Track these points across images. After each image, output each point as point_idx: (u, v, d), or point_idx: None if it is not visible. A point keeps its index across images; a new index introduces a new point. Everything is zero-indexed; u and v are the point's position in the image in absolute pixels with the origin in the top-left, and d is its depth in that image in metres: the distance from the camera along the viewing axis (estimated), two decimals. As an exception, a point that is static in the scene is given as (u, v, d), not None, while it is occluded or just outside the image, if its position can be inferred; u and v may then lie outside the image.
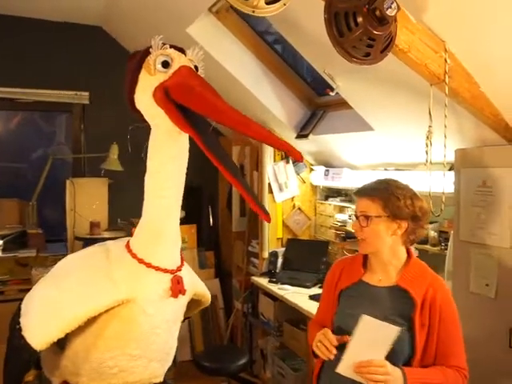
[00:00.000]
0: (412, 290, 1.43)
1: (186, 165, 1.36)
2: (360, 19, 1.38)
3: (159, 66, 1.27)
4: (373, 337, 1.34)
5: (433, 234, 2.46)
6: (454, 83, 1.67)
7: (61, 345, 1.44)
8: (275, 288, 3.08)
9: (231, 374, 2.75)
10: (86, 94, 3.83)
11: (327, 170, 3.29)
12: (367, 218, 1.45)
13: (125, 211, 3.90)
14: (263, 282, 3.27)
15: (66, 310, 1.33)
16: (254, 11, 1.26)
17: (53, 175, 3.80)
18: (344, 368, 1.37)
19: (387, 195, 1.46)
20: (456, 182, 2.10)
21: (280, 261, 3.37)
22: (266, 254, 3.44)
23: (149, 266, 1.34)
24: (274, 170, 3.43)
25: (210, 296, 1.66)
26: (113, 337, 1.37)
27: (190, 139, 1.32)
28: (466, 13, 1.55)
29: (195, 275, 1.62)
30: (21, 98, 3.65)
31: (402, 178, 2.57)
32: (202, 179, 3.84)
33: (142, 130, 4.14)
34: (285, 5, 1.34)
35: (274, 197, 3.42)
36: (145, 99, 1.30)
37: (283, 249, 3.44)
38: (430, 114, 1.73)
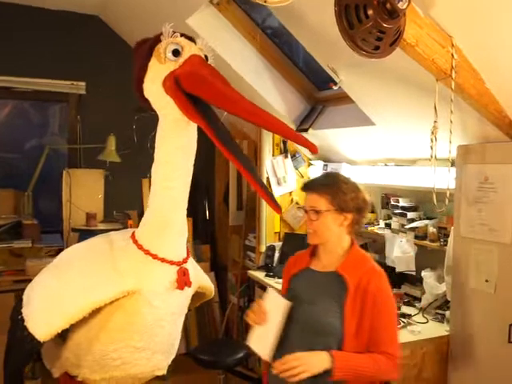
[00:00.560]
0: (347, 276, 1.49)
1: (194, 156, 1.34)
2: (370, 12, 1.37)
3: (169, 55, 1.24)
4: (273, 309, 1.47)
5: (432, 229, 2.47)
6: (460, 79, 1.67)
7: (63, 336, 1.42)
8: (272, 282, 3.08)
9: (228, 368, 2.75)
10: (83, 83, 3.77)
11: (326, 165, 3.29)
12: (317, 212, 1.52)
13: (120, 203, 3.88)
14: (260, 275, 3.27)
15: (71, 301, 1.32)
16: (265, 1, 1.24)
17: (47, 166, 3.75)
18: (254, 340, 1.49)
19: (334, 190, 1.54)
20: (457, 178, 2.11)
21: (277, 255, 3.36)
22: (263, 248, 3.43)
23: (155, 257, 1.33)
24: (273, 164, 3.42)
25: (213, 289, 1.65)
26: (117, 329, 1.36)
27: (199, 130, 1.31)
28: (474, 8, 1.54)
29: (199, 267, 1.61)
30: (16, 86, 3.59)
31: (403, 173, 2.62)
32: (198, 172, 3.81)
33: (141, 120, 4.12)
34: (295, -5, 1.32)
35: (272, 191, 3.41)
36: (154, 88, 1.28)
37: (280, 243, 3.44)
38: (435, 109, 1.73)
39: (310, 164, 3.54)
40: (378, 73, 2.07)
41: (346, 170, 3.08)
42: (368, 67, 2.08)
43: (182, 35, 1.28)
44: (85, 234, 3.29)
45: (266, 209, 3.42)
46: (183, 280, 1.36)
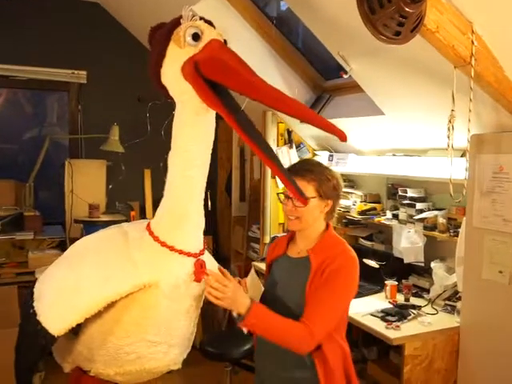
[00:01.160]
0: (313, 257, 1.48)
1: (212, 144, 1.30)
2: (393, -4, 1.33)
3: (189, 39, 1.19)
4: (252, 289, 1.57)
5: (441, 220, 2.44)
6: (478, 66, 1.63)
7: (75, 330, 1.38)
8: (278, 273, 3.05)
9: (235, 360, 2.72)
10: (84, 72, 3.71)
11: (331, 155, 3.25)
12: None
13: (122, 194, 3.84)
14: (264, 267, 3.24)
15: (86, 294, 1.28)
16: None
17: (46, 157, 3.69)
18: None
19: (320, 176, 1.53)
20: (470, 168, 2.08)
21: (282, 246, 3.33)
22: (267, 239, 3.40)
23: (172, 249, 1.29)
24: (278, 154, 3.37)
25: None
26: (132, 322, 1.32)
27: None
28: (494, -6, 1.50)
29: (213, 259, 1.57)
30: (16, 75, 3.53)
31: (412, 163, 2.58)
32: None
33: (145, 110, 4.03)
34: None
35: (276, 182, 3.38)
36: (172, 73, 1.23)
37: (284, 234, 3.40)
38: (453, 97, 1.70)
39: (314, 154, 3.50)
40: (391, 61, 2.03)
41: (352, 160, 3.05)
42: (381, 55, 2.03)
43: (200, 19, 1.23)
44: (87, 226, 3.26)
45: (270, 199, 3.39)
46: (201, 272, 1.33)
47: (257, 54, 3.03)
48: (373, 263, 2.79)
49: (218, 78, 1.16)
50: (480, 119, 2.02)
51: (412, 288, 2.54)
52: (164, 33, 1.24)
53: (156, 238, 1.31)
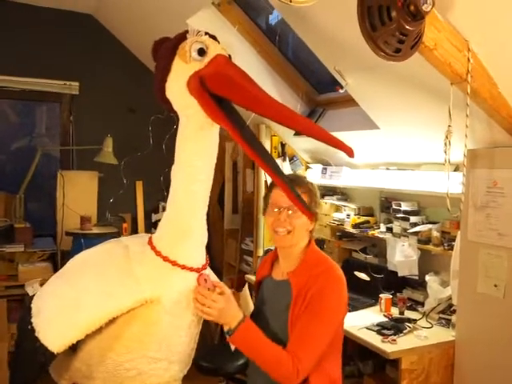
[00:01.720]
0: (294, 281, 1.43)
1: (216, 159, 1.30)
2: (394, 14, 1.36)
3: (195, 54, 1.19)
4: (244, 306, 1.52)
5: (435, 234, 2.46)
6: (474, 83, 1.66)
7: (73, 346, 1.35)
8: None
9: (229, 375, 2.69)
10: (76, 84, 3.70)
11: (325, 169, 3.27)
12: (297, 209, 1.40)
13: (113, 206, 3.81)
14: (257, 279, 3.23)
15: (87, 310, 1.25)
16: (291, 1, 1.21)
17: (36, 167, 3.64)
18: None
19: (310, 189, 1.49)
20: (465, 183, 2.10)
21: (275, 259, 3.33)
22: (260, 252, 3.39)
23: (174, 263, 1.28)
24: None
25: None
26: (133, 338, 1.30)
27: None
28: (489, 13, 1.54)
29: (213, 273, 1.56)
30: (7, 86, 3.50)
31: (406, 177, 2.61)
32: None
33: (134, 120, 4.03)
34: (320, -4, 1.29)
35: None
36: (178, 88, 1.23)
37: (277, 247, 3.40)
38: (449, 113, 1.73)
39: (307, 167, 3.52)
40: (387, 76, 2.06)
41: (346, 174, 3.08)
42: (377, 71, 2.06)
43: (205, 34, 1.24)
44: (79, 238, 3.22)
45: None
46: (205, 287, 1.32)
47: (251, 67, 3.04)
48: (364, 276, 2.80)
49: (223, 92, 1.17)
50: (474, 134, 2.05)
51: (407, 301, 2.55)
52: (169, 47, 1.24)
53: (158, 253, 1.29)
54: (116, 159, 3.49)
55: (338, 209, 3.26)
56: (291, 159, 3.46)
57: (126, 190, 3.83)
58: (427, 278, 2.48)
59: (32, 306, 1.40)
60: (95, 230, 3.29)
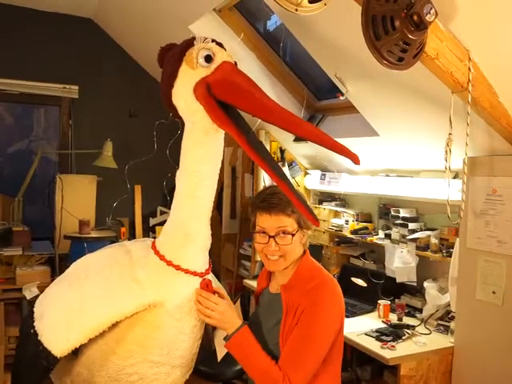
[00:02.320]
0: (285, 296, 1.40)
1: (220, 165, 1.31)
2: (398, 23, 1.37)
3: (202, 61, 1.21)
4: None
5: (434, 240, 2.48)
6: (475, 92, 1.68)
7: (75, 350, 1.35)
8: (269, 291, 3.04)
9: (229, 380, 2.69)
10: (76, 87, 3.70)
11: (323, 175, 3.28)
12: (287, 234, 1.38)
13: (111, 210, 3.80)
14: (255, 284, 3.23)
15: (90, 314, 1.25)
16: (296, 9, 1.23)
17: (34, 171, 3.64)
18: (218, 335, 1.49)
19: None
20: (464, 190, 2.12)
21: (273, 264, 3.33)
22: (258, 257, 3.39)
23: (178, 268, 1.28)
24: (269, 172, 3.39)
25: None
26: (136, 342, 1.30)
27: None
28: (490, 23, 1.56)
29: (215, 278, 1.56)
30: (7, 89, 3.50)
31: (405, 184, 2.63)
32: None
33: (133, 125, 4.04)
34: (325, 5, 1.31)
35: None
36: (184, 94, 1.24)
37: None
38: (450, 121, 1.74)
39: (306, 173, 3.53)
40: (388, 84, 2.08)
41: (345, 180, 3.09)
42: (378, 79, 2.08)
43: (212, 41, 1.25)
44: (77, 242, 3.21)
45: (262, 217, 3.39)
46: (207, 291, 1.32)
47: (251, 73, 3.04)
48: (361, 282, 2.81)
49: (230, 99, 1.18)
50: (473, 142, 2.07)
51: (405, 308, 2.56)
52: (176, 53, 1.25)
53: (162, 257, 1.30)
54: (115, 163, 3.49)
55: (336, 215, 3.28)
56: (290, 165, 3.47)
57: (124, 194, 3.82)
58: (425, 284, 2.49)
59: (34, 309, 1.39)
60: (94, 234, 3.29)
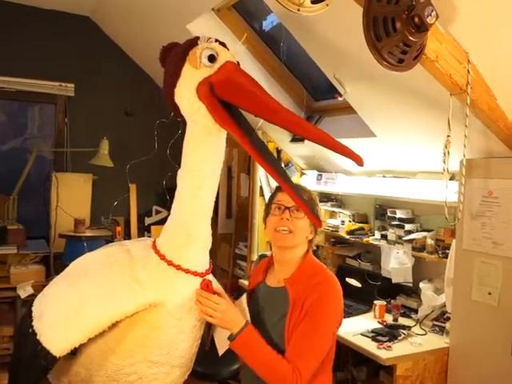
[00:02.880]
0: (291, 289, 1.43)
1: (222, 164, 1.31)
2: (399, 25, 1.38)
3: (205, 60, 1.20)
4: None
5: (430, 242, 2.49)
6: (473, 94, 1.70)
7: (73, 349, 1.34)
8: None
9: (224, 380, 2.68)
10: (72, 85, 3.68)
11: (320, 175, 3.29)
12: (300, 210, 1.42)
13: (107, 209, 3.78)
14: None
15: (90, 314, 1.25)
16: (299, 9, 1.23)
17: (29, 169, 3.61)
18: (217, 333, 1.48)
19: (312, 198, 1.52)
20: (460, 192, 2.14)
21: (269, 264, 3.33)
22: (254, 257, 3.40)
23: (178, 268, 1.28)
24: (266, 173, 3.39)
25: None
26: (135, 342, 1.29)
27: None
28: (490, 26, 1.58)
29: (215, 279, 1.56)
30: (1, 86, 3.47)
31: (401, 185, 2.64)
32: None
33: (129, 124, 4.04)
34: (327, 5, 1.31)
35: (265, 200, 3.39)
36: (187, 94, 1.24)
37: (271, 253, 3.41)
38: (448, 123, 1.75)
39: (302, 173, 3.54)
40: (386, 85, 2.09)
41: (341, 180, 3.10)
42: (376, 80, 2.09)
43: (216, 41, 1.25)
44: (72, 240, 3.19)
45: (258, 217, 3.40)
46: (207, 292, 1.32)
47: (248, 73, 3.06)
48: (355, 282, 2.82)
49: (233, 99, 1.18)
50: (470, 144, 2.08)
51: (400, 308, 2.57)
52: (179, 53, 1.25)
53: (162, 257, 1.29)
54: (112, 162, 3.47)
55: (332, 215, 3.29)
56: (286, 165, 3.48)
57: (119, 193, 3.81)
58: (421, 285, 2.50)
59: (33, 308, 1.38)
60: (89, 233, 3.27)
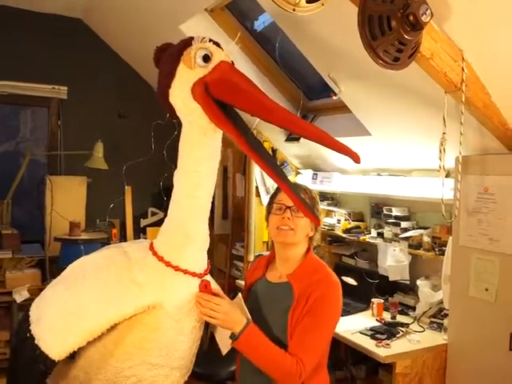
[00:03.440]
0: (295, 284, 1.47)
1: (218, 164, 1.30)
2: (394, 23, 1.39)
3: (199, 60, 1.20)
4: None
5: (426, 239, 2.50)
6: (468, 92, 1.70)
7: (72, 353, 1.33)
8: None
9: (223, 381, 2.68)
10: (65, 88, 3.66)
11: (315, 174, 3.29)
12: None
13: (102, 211, 3.77)
14: (247, 285, 3.23)
15: (88, 317, 1.24)
16: (294, 9, 1.23)
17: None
18: (218, 332, 1.48)
19: (312, 196, 1.56)
20: (456, 189, 2.14)
21: (265, 264, 3.33)
22: (251, 257, 3.39)
23: (177, 269, 1.27)
24: (262, 173, 3.39)
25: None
26: (134, 344, 1.28)
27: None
28: (484, 24, 1.58)
29: (214, 280, 1.56)
30: (-7, 90, 3.44)
31: (396, 183, 2.65)
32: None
33: (123, 125, 4.02)
34: (323, 5, 1.31)
35: (261, 200, 3.39)
36: (182, 94, 1.23)
37: (268, 252, 3.41)
38: (444, 121, 1.76)
39: (298, 173, 3.54)
40: (381, 84, 2.09)
41: (336, 179, 3.10)
42: (371, 79, 2.09)
43: (210, 41, 1.25)
44: (68, 244, 3.18)
45: (254, 217, 3.39)
46: (206, 293, 1.32)
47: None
48: (351, 281, 2.82)
49: (228, 98, 1.18)
50: (465, 141, 2.08)
51: (398, 306, 2.58)
52: (174, 53, 1.25)
53: (160, 258, 1.29)
54: (106, 164, 3.46)
55: (328, 214, 3.29)
56: (282, 164, 3.46)
57: (114, 195, 3.79)
58: (418, 282, 2.51)
59: (30, 313, 1.37)
60: (84, 236, 3.25)
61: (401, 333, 2.26)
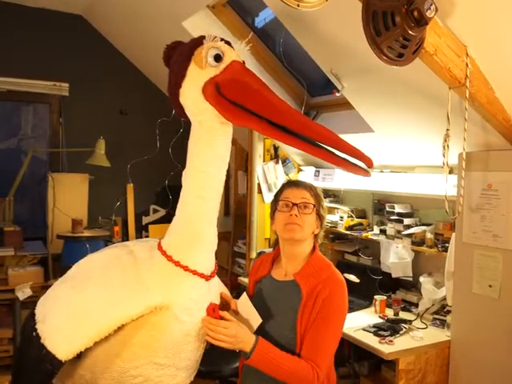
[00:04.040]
0: (303, 283, 1.48)
1: (227, 165, 1.29)
2: (398, 19, 1.37)
3: (211, 60, 1.18)
4: (245, 315, 1.45)
5: (429, 235, 2.50)
6: (472, 88, 1.69)
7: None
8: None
9: (225, 378, 2.68)
10: (66, 85, 3.65)
11: (317, 171, 3.28)
12: (308, 206, 1.54)
13: (104, 209, 3.76)
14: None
15: (95, 317, 1.23)
16: (298, 5, 1.22)
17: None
18: None
19: (317, 194, 1.61)
20: (459, 185, 2.14)
21: (268, 261, 3.33)
22: (253, 254, 3.39)
23: (186, 269, 1.26)
24: (264, 170, 3.39)
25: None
26: (141, 345, 1.28)
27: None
28: (487, 19, 1.57)
29: (221, 282, 1.55)
30: (-6, 86, 3.44)
31: (399, 180, 2.64)
32: (181, 174, 3.75)
33: (124, 122, 4.01)
34: (326, 0, 1.30)
35: (263, 197, 3.39)
36: (193, 94, 1.21)
37: (271, 249, 3.41)
38: (448, 117, 1.75)
39: (300, 170, 3.53)
40: (384, 80, 2.08)
41: (339, 176, 3.09)
42: (374, 75, 2.08)
43: (221, 40, 1.23)
44: (70, 241, 3.17)
45: (256, 214, 3.39)
46: (213, 317, 1.31)
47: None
48: (353, 278, 2.82)
49: (240, 99, 1.17)
50: (468, 138, 2.07)
51: (401, 303, 2.58)
52: (185, 52, 1.23)
53: (169, 258, 1.28)
54: (108, 162, 3.45)
55: (330, 211, 3.28)
56: (284, 161, 3.47)
57: (116, 192, 3.79)
58: (421, 279, 2.51)
59: (36, 311, 1.37)
60: (87, 234, 3.25)
61: (404, 329, 2.26)
